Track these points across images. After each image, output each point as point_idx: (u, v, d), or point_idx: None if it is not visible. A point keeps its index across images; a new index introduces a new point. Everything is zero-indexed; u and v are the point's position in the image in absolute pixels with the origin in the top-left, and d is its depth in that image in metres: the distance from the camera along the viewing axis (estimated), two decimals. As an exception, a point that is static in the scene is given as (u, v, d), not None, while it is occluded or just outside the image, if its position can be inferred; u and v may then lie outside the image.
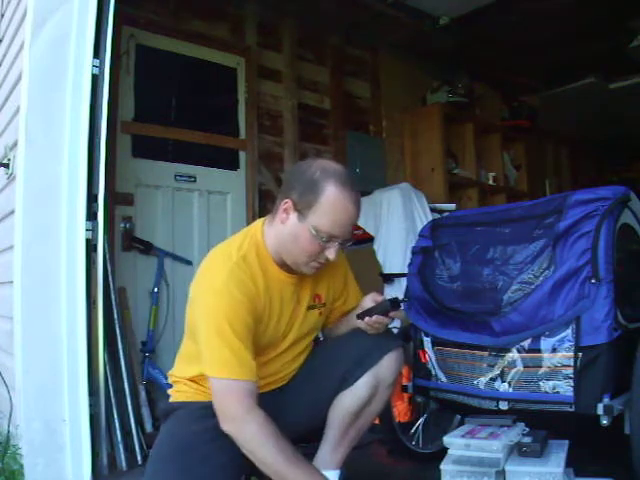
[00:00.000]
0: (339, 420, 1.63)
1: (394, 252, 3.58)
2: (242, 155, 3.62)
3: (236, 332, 1.44)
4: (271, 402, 1.64)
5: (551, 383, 1.76)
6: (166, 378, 2.81)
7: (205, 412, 1.53)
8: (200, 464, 1.45)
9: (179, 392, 1.66)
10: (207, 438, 1.49)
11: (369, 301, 1.69)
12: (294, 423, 1.63)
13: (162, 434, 1.57)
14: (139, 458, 2.36)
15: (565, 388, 1.73)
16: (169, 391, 1.70)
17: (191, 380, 1.62)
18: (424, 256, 2.22)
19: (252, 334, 1.49)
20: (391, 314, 1.66)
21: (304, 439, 1.71)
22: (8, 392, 2.22)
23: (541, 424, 1.79)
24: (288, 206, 1.51)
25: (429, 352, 2.12)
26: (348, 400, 1.62)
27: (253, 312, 1.50)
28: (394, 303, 1.65)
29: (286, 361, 1.67)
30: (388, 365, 1.65)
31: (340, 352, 1.68)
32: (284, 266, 1.59)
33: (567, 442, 1.78)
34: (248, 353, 1.45)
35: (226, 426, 1.44)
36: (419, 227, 2.94)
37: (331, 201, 1.47)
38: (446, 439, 1.79)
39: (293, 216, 1.51)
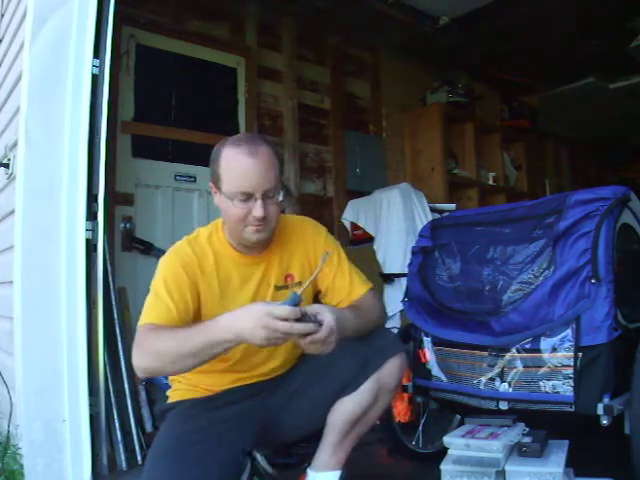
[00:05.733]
0: (339, 425, 1.62)
1: (394, 252, 3.58)
2: (242, 155, 3.62)
3: (167, 286, 1.50)
4: (271, 402, 1.66)
5: (551, 383, 1.76)
6: (166, 378, 2.82)
7: (196, 409, 1.58)
8: (191, 465, 1.46)
9: (175, 391, 1.69)
10: (197, 438, 1.51)
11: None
12: (293, 425, 1.66)
13: (157, 435, 1.60)
14: (139, 458, 2.36)
15: (565, 388, 1.73)
16: (167, 392, 1.72)
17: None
18: (424, 256, 2.22)
19: (190, 293, 1.53)
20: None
21: (302, 439, 1.72)
22: (8, 392, 2.22)
23: (541, 424, 1.79)
24: (212, 189, 1.58)
25: (429, 352, 2.12)
26: (349, 406, 1.60)
27: (193, 277, 1.54)
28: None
29: (271, 349, 1.64)
30: (390, 371, 1.62)
31: (343, 355, 1.62)
32: (240, 247, 1.62)
33: (567, 442, 1.78)
34: (172, 301, 1.48)
35: (134, 361, 1.44)
36: (419, 227, 2.94)
37: (226, 162, 1.52)
38: (446, 439, 1.79)
39: (217, 195, 1.57)
